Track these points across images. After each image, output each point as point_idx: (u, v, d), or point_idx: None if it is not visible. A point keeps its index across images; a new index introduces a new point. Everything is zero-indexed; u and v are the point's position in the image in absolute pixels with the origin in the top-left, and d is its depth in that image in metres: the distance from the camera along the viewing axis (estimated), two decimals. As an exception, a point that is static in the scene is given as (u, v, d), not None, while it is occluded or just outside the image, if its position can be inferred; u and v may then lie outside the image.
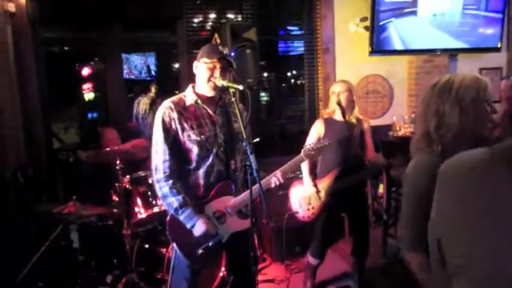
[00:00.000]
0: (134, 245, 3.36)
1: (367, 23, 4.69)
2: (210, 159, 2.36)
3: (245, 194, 2.37)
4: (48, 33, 4.99)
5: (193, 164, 2.34)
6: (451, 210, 0.99)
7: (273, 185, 2.45)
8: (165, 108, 2.33)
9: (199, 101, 2.37)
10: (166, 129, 2.30)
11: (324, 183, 3.28)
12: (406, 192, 1.54)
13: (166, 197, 2.28)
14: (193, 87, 2.43)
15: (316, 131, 3.33)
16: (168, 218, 2.38)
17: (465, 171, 0.99)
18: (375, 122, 5.13)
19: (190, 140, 2.32)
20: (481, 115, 1.52)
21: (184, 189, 2.31)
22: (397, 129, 4.98)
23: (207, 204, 2.36)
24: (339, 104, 3.22)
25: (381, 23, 4.60)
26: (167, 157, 2.29)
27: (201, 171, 2.35)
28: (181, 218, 2.28)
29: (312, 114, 5.16)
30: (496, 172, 0.87)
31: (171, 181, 2.28)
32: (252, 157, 2.13)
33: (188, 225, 2.28)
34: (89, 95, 7.05)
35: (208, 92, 2.37)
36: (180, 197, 2.27)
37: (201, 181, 2.35)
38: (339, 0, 4.84)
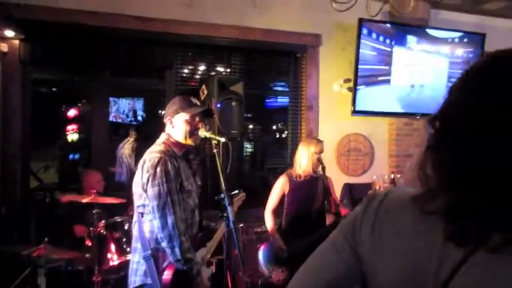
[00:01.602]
0: (103, 293, 3.25)
1: (350, 84, 4.87)
2: (196, 210, 2.38)
3: (210, 244, 2.37)
4: (38, 73, 5.06)
5: (183, 216, 2.31)
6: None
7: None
8: (166, 160, 2.25)
9: (189, 154, 2.41)
10: (171, 181, 2.23)
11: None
12: None
13: (185, 253, 2.21)
14: (170, 137, 2.41)
15: (280, 187, 3.38)
16: (170, 273, 2.27)
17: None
18: (355, 180, 5.21)
19: (187, 190, 2.32)
20: None
21: None
22: (377, 188, 5.05)
23: None
24: (320, 161, 3.31)
25: (358, 86, 4.79)
26: (177, 209, 2.23)
27: (189, 222, 2.35)
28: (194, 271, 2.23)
29: (294, 168, 5.22)
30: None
31: (187, 235, 2.24)
32: (229, 209, 2.15)
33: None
34: (72, 136, 7.04)
35: (190, 144, 2.41)
36: (194, 251, 2.25)
37: (188, 232, 2.32)
38: (324, 61, 5.04)
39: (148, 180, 2.24)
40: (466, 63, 5.19)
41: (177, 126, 2.38)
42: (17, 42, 3.88)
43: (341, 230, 0.84)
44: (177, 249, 2.17)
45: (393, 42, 4.91)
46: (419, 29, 5.03)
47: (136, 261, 2.32)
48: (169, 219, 2.19)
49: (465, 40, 5.21)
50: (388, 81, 4.96)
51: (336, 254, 0.81)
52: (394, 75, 4.97)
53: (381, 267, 0.74)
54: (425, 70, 5.10)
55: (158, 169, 2.22)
